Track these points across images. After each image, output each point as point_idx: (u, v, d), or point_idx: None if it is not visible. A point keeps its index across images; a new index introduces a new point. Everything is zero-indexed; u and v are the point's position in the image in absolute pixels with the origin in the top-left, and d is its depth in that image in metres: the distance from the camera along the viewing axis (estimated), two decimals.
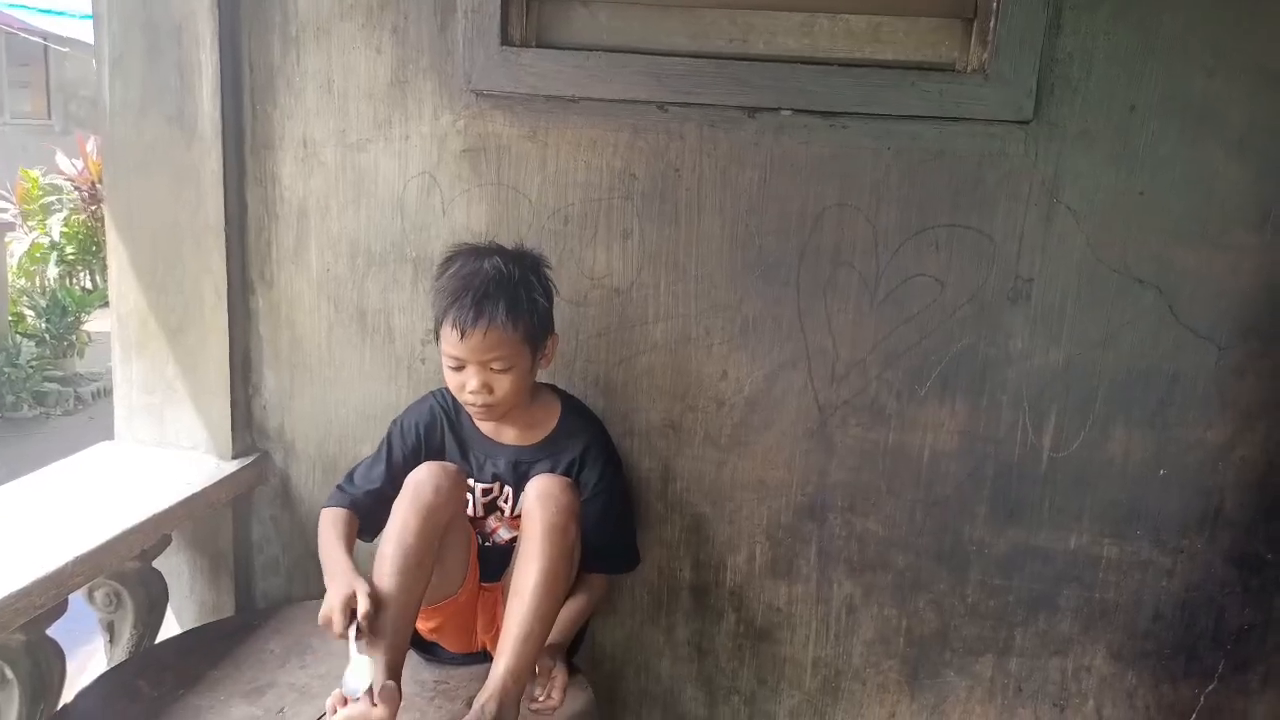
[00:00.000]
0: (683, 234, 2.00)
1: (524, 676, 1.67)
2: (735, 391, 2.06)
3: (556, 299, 1.89)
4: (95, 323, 6.79)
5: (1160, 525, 2.01)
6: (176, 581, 2.22)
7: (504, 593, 1.79)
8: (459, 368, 1.78)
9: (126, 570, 1.99)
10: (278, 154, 2.09)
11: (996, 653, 2.14)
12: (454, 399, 1.87)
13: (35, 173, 8.18)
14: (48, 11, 11.36)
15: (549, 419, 1.93)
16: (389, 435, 1.95)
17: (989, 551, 2.08)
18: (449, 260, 1.82)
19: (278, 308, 2.17)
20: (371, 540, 1.83)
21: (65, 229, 7.79)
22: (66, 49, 12.30)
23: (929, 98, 1.86)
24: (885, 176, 1.93)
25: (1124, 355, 1.94)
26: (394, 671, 1.64)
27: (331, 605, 1.62)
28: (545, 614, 1.70)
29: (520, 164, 2.02)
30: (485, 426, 1.90)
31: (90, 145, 8.03)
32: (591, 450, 1.92)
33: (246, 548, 2.29)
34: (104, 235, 2.29)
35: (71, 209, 8.00)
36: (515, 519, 1.87)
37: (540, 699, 1.72)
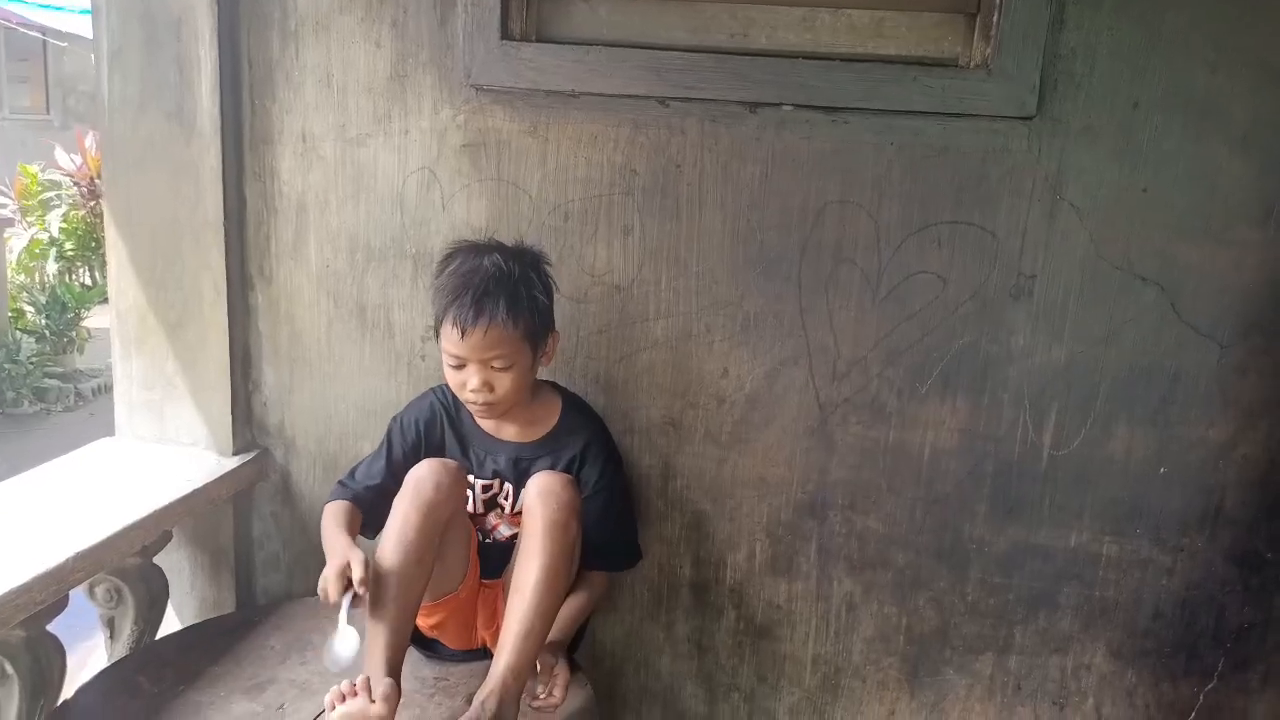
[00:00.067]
0: (684, 230, 1.99)
1: (524, 674, 1.67)
2: (736, 389, 2.06)
3: (557, 296, 1.88)
4: (95, 319, 6.77)
5: (1161, 523, 2.00)
6: (177, 577, 2.22)
7: (504, 589, 1.78)
8: (459, 366, 1.77)
9: (127, 566, 1.99)
10: (277, 149, 2.09)
11: (996, 651, 2.13)
12: (454, 395, 1.86)
13: (34, 168, 8.16)
14: (46, 6, 11.33)
15: (550, 416, 1.92)
16: (389, 432, 1.94)
17: (989, 549, 2.07)
18: (448, 258, 1.82)
19: (277, 303, 2.16)
20: (373, 536, 1.83)
21: (64, 225, 7.78)
22: (65, 44, 12.27)
23: (931, 93, 1.85)
24: (887, 172, 1.92)
25: (1126, 352, 1.93)
26: (394, 668, 1.64)
27: (327, 575, 1.62)
28: (546, 611, 1.69)
29: (520, 159, 2.01)
30: (486, 423, 1.90)
31: (89, 141, 8.00)
32: (592, 447, 1.91)
33: (247, 544, 2.29)
34: (103, 231, 2.28)
35: (70, 205, 7.98)
36: (515, 516, 1.87)
37: (541, 696, 1.72)
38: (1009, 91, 1.83)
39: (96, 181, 7.55)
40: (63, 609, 1.75)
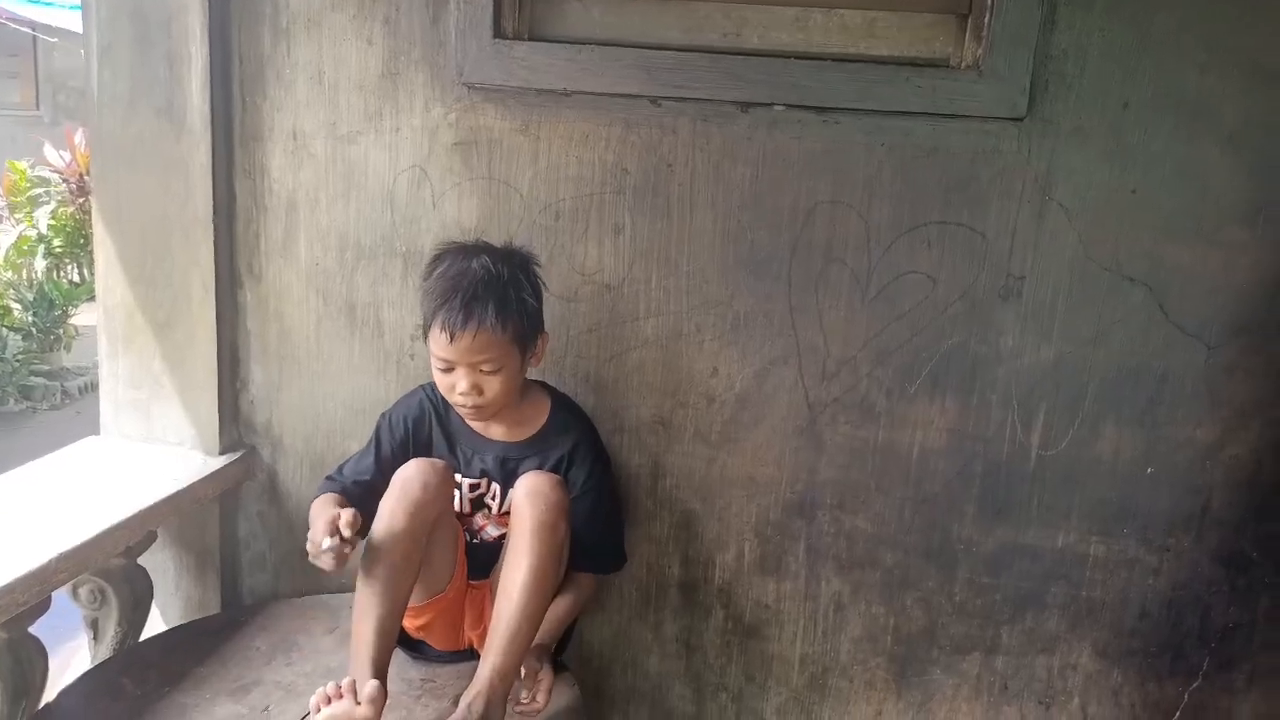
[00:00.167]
0: (675, 229, 1.97)
1: (511, 675, 1.65)
2: (726, 388, 2.03)
3: (547, 295, 1.85)
4: (82, 316, 6.70)
5: (1148, 524, 1.99)
6: (162, 578, 2.18)
7: (492, 590, 1.76)
8: (448, 369, 1.75)
9: (111, 567, 1.95)
10: (267, 146, 2.05)
11: (983, 651, 2.11)
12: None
13: (23, 164, 8.06)
14: (37, 1, 11.22)
15: (538, 416, 1.89)
16: (378, 429, 1.91)
17: (977, 550, 2.05)
18: (437, 259, 1.78)
19: (266, 301, 2.13)
20: (361, 534, 1.79)
21: (53, 221, 7.68)
22: (55, 39, 12.11)
23: (923, 94, 1.83)
24: (878, 173, 1.90)
25: (1114, 353, 1.92)
26: (380, 670, 1.62)
27: (316, 529, 1.61)
28: (533, 613, 1.67)
29: (512, 158, 1.98)
30: (474, 422, 1.87)
31: (78, 137, 7.91)
32: (580, 448, 1.89)
33: (233, 544, 2.25)
34: (92, 228, 2.24)
35: (59, 201, 7.88)
36: (503, 516, 1.84)
37: (525, 701, 1.69)
38: (1000, 92, 1.82)
39: (86, 178, 7.48)
40: (45, 610, 1.71)
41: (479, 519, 1.90)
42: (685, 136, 1.92)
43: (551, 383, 1.98)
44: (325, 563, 1.58)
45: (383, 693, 1.55)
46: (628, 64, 1.89)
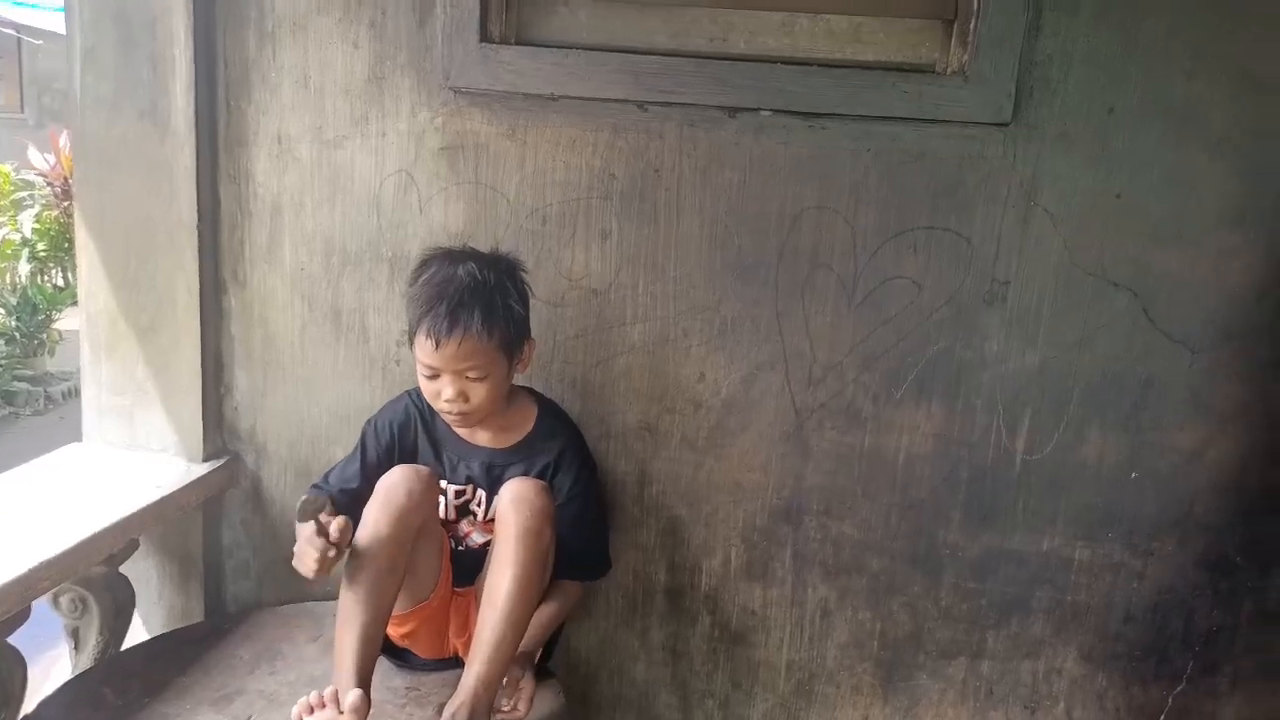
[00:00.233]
0: (661, 234, 1.95)
1: (495, 684, 1.62)
2: (712, 394, 2.01)
3: (533, 301, 1.83)
4: (66, 321, 6.62)
5: (1132, 528, 1.98)
6: (145, 586, 2.14)
7: (477, 597, 1.73)
8: (434, 376, 1.72)
9: (93, 575, 1.91)
10: (252, 150, 2.02)
11: (969, 655, 2.10)
12: None
13: (7, 167, 7.98)
14: (21, 3, 11.12)
15: (525, 422, 1.87)
16: (363, 435, 1.88)
17: (963, 555, 2.04)
18: (423, 265, 1.76)
19: (250, 307, 2.09)
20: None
21: (37, 225, 7.61)
22: (40, 41, 12.00)
23: (909, 99, 1.82)
24: (864, 178, 1.88)
25: (1099, 358, 1.91)
26: (363, 679, 1.59)
27: (302, 537, 1.59)
28: (518, 620, 1.64)
29: (498, 162, 1.95)
30: (460, 429, 1.84)
31: (63, 140, 7.82)
32: (567, 454, 1.86)
33: (217, 552, 2.21)
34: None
35: (44, 205, 7.81)
36: (488, 523, 1.82)
37: (505, 709, 1.67)
38: (985, 98, 1.80)
39: (70, 182, 7.40)
40: (25, 619, 1.67)
41: (464, 525, 1.87)
42: (672, 141, 1.90)
43: (538, 388, 1.95)
44: (307, 566, 1.55)
45: (366, 701, 1.53)
46: (614, 68, 1.87)
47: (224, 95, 2.00)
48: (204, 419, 2.10)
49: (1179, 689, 2.05)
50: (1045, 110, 1.81)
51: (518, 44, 1.92)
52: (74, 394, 6.32)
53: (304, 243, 2.04)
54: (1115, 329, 1.89)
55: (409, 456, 1.84)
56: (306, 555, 1.57)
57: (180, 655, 1.83)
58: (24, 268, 7.50)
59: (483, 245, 1.82)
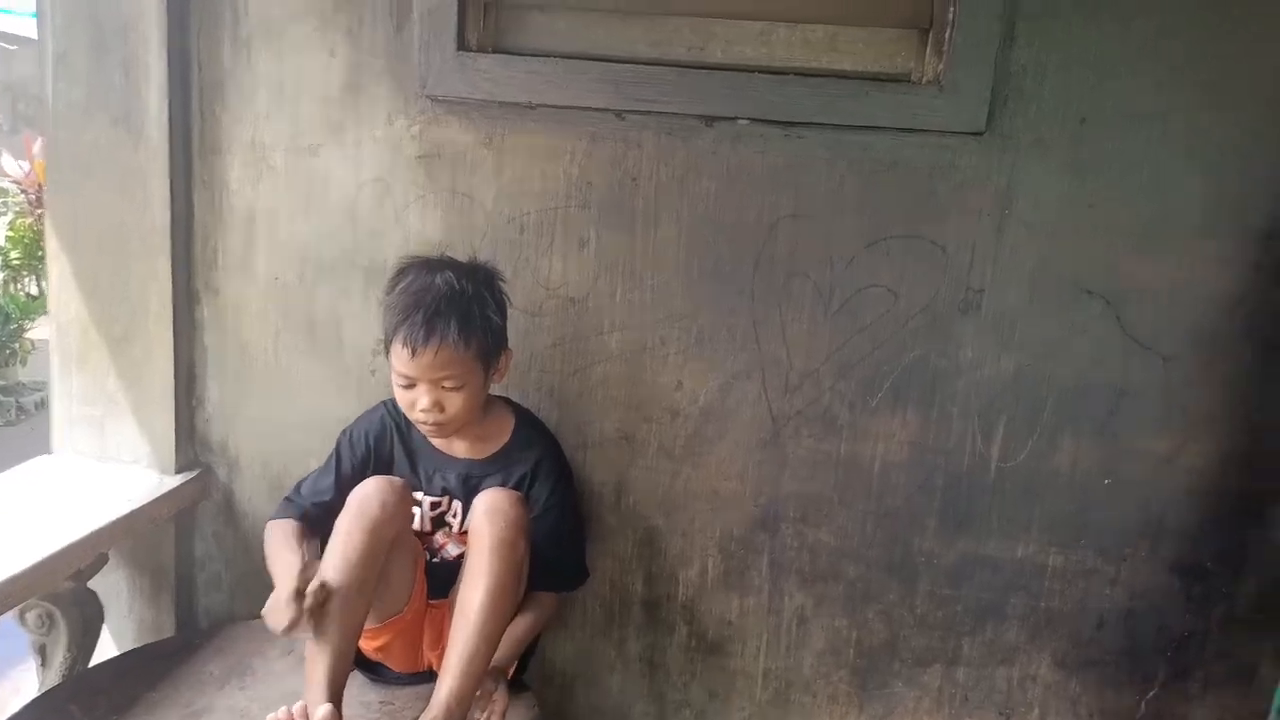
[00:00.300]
0: (639, 243, 1.90)
1: (468, 698, 1.57)
2: (690, 402, 1.96)
3: (511, 310, 1.78)
4: (40, 330, 6.45)
5: (1105, 534, 1.95)
6: (115, 600, 2.06)
7: (451, 610, 1.67)
8: (409, 386, 1.67)
9: (60, 591, 1.83)
10: (226, 158, 1.95)
11: (944, 662, 2.05)
12: None
13: None
14: None
15: (502, 433, 1.82)
16: (338, 446, 1.82)
17: (938, 562, 2.00)
18: (400, 274, 1.70)
19: (224, 317, 2.02)
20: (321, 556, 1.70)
21: (10, 233, 7.41)
22: (15, 47, 11.77)
23: (884, 108, 1.79)
24: (840, 187, 1.84)
25: (1072, 365, 1.87)
26: (335, 693, 1.53)
27: (277, 600, 1.50)
28: (491, 633, 1.59)
29: (476, 171, 1.90)
30: (436, 440, 1.78)
31: (36, 147, 7.64)
32: (544, 465, 1.81)
33: (189, 565, 2.14)
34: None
35: (17, 212, 7.63)
36: (464, 534, 1.75)
37: None
38: (960, 107, 1.77)
39: (44, 189, 7.24)
40: None
41: (440, 537, 1.82)
42: (650, 150, 1.86)
43: (515, 398, 1.90)
44: (279, 625, 1.49)
45: (337, 717, 1.48)
46: (592, 77, 1.82)
47: (198, 102, 1.94)
48: (176, 430, 2.03)
49: (1151, 694, 2.01)
50: (1019, 119, 1.78)
51: (495, 52, 1.87)
52: (46, 404, 6.17)
53: (279, 252, 1.98)
54: (1089, 336, 1.85)
55: (384, 468, 1.79)
56: (280, 614, 1.49)
57: (149, 671, 1.75)
58: None
59: (460, 254, 1.77)
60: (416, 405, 1.67)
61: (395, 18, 1.85)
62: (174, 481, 2.01)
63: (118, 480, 1.98)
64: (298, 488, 1.81)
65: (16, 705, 1.65)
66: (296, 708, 1.45)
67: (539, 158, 1.88)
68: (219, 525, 2.12)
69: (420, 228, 1.93)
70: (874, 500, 1.98)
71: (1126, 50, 1.75)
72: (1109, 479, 1.91)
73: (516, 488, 1.77)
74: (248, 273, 2.00)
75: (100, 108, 1.90)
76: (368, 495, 1.61)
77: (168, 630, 2.09)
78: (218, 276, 2.00)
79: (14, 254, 7.40)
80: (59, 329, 2.02)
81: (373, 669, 1.79)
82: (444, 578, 1.76)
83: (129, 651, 1.90)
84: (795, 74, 1.82)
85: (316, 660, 1.54)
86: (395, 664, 1.79)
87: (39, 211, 7.35)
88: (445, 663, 1.58)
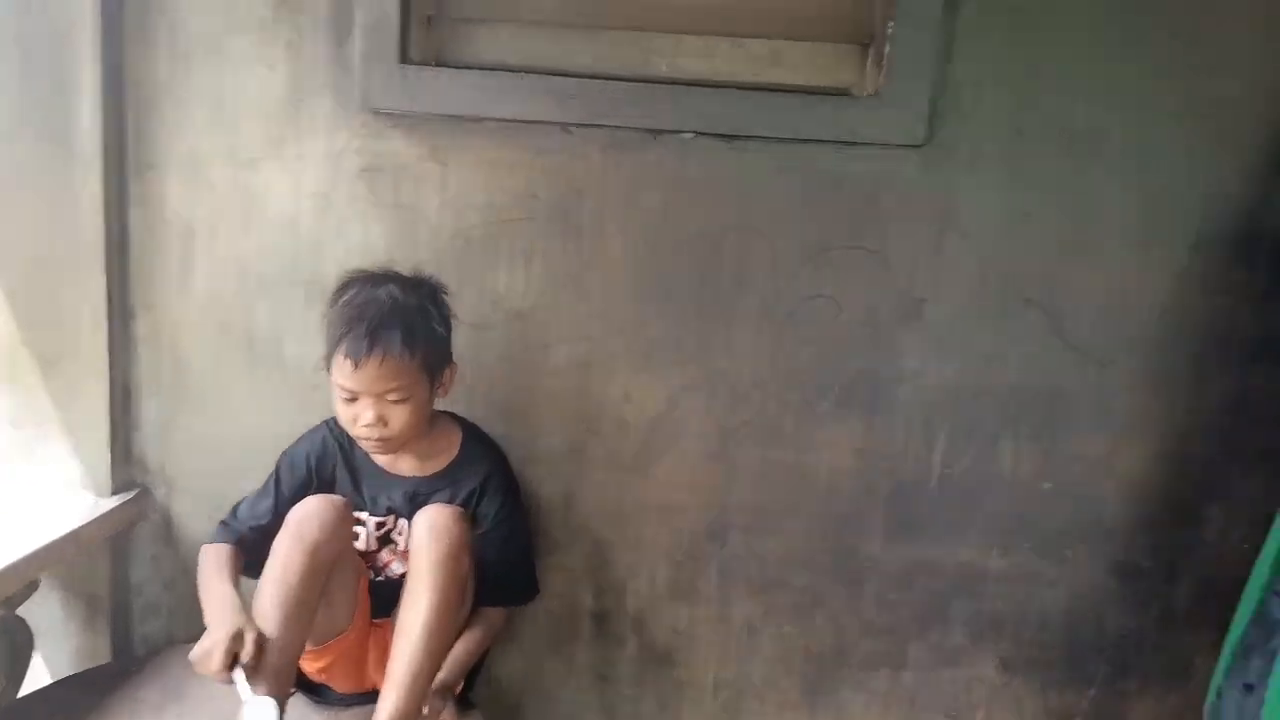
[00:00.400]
0: (586, 256, 1.82)
1: (411, 717, 1.47)
2: (638, 414, 1.88)
3: (457, 324, 1.69)
4: None
5: (1046, 537, 1.91)
6: (49, 627, 1.91)
7: (395, 628, 1.57)
8: (352, 400, 1.57)
9: None
10: (163, 174, 1.83)
11: (892, 667, 2.00)
12: None
13: None
14: None
15: (449, 448, 1.72)
16: (278, 468, 1.71)
17: (884, 567, 1.94)
18: (343, 288, 1.61)
19: (161, 335, 1.89)
20: (257, 578, 1.58)
21: None
22: None
23: (827, 122, 1.74)
24: (785, 199, 1.79)
25: (1011, 372, 1.84)
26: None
27: (214, 640, 1.38)
28: (434, 650, 1.50)
29: (420, 185, 1.81)
30: (381, 458, 1.69)
31: None
32: (492, 479, 1.72)
33: (125, 589, 1.99)
34: None
35: None
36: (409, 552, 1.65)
37: None
38: (900, 121, 1.73)
39: None
40: None
41: (385, 555, 1.72)
42: (596, 163, 1.79)
43: (462, 413, 1.80)
44: (212, 669, 1.38)
45: None
46: (537, 90, 1.75)
47: (133, 117, 1.81)
48: (112, 451, 1.89)
49: (1092, 692, 1.98)
50: (958, 133, 1.75)
51: (439, 65, 1.78)
52: None
53: (217, 268, 1.86)
54: (1026, 344, 1.82)
55: (326, 488, 1.68)
56: (213, 659, 1.39)
57: (82, 699, 1.61)
58: None
59: (404, 268, 1.68)
60: (359, 420, 1.57)
61: (336, 31, 1.76)
62: (110, 504, 1.87)
63: (50, 503, 1.83)
64: (235, 511, 1.70)
65: None
66: None
67: (484, 171, 1.80)
68: (157, 548, 1.98)
69: (363, 242, 1.83)
70: (821, 508, 1.92)
71: (1061, 65, 1.72)
72: (1048, 483, 1.88)
73: (464, 504, 1.68)
74: (186, 289, 1.87)
75: (30, 124, 1.77)
76: (307, 515, 1.52)
77: (103, 657, 1.95)
78: (155, 293, 1.88)
79: None
80: None
81: (315, 691, 1.68)
82: (389, 596, 1.66)
83: (61, 680, 1.76)
84: (739, 88, 1.76)
85: (255, 685, 1.42)
86: (339, 685, 1.68)
87: None
88: (386, 681, 1.49)
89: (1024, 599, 1.94)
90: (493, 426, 1.83)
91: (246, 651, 1.38)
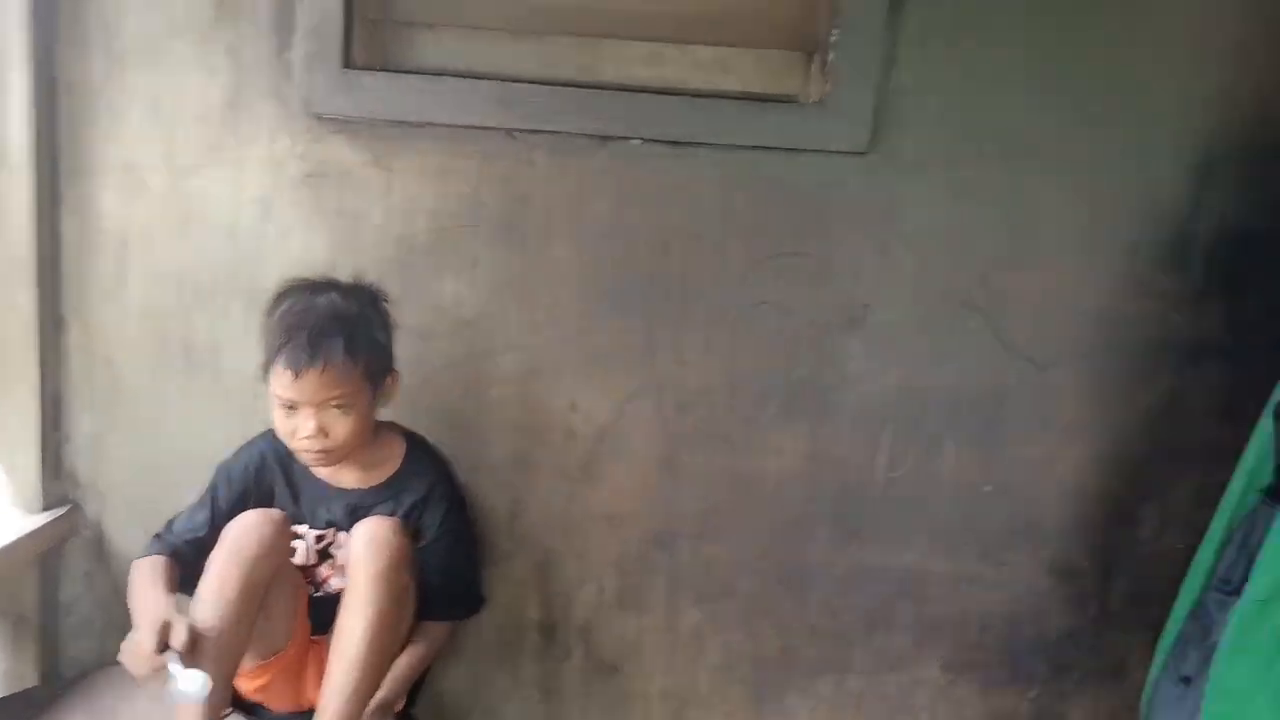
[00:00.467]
0: (532, 263, 1.73)
1: None
2: (585, 422, 1.79)
3: (401, 332, 1.60)
4: None
5: (987, 539, 1.85)
6: None
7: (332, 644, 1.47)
8: (292, 411, 1.47)
9: None
10: (97, 180, 1.70)
11: (837, 671, 1.92)
12: None
13: None
14: None
15: (392, 459, 1.62)
16: (215, 480, 1.60)
17: (830, 572, 1.87)
18: (280, 297, 1.52)
19: (94, 346, 1.76)
20: (193, 594, 1.45)
21: None
22: None
23: (772, 128, 1.68)
24: (732, 206, 1.72)
25: (954, 377, 1.78)
26: None
27: (144, 631, 1.29)
28: (372, 667, 1.41)
29: (363, 191, 1.70)
30: (321, 470, 1.58)
31: None
32: (437, 490, 1.63)
33: (54, 609, 1.84)
34: None
35: None
36: None
37: None
38: (844, 127, 1.68)
39: None
40: None
41: (324, 570, 1.60)
42: (542, 169, 1.70)
43: (406, 423, 1.69)
44: (140, 669, 1.29)
45: None
46: (483, 96, 1.66)
47: (66, 123, 1.68)
48: (41, 466, 1.74)
49: (1033, 693, 1.93)
50: (901, 140, 1.70)
51: (383, 70, 1.68)
52: None
53: (154, 277, 1.74)
54: (968, 348, 1.77)
55: (265, 502, 1.57)
56: (139, 658, 1.29)
57: None
58: None
59: (346, 276, 1.58)
60: (299, 432, 1.47)
61: (278, 35, 1.65)
62: (39, 520, 1.72)
63: None
64: (169, 524, 1.58)
65: None
66: None
67: (429, 177, 1.70)
68: (89, 564, 1.84)
69: (305, 249, 1.72)
70: (768, 514, 1.84)
71: (1001, 72, 1.68)
72: (989, 485, 1.83)
73: (408, 515, 1.58)
74: (120, 299, 1.74)
75: None
76: (243, 530, 1.42)
77: (30, 680, 1.79)
78: (88, 303, 1.74)
79: None
80: None
81: (252, 711, 1.55)
82: (329, 612, 1.53)
83: None
84: (686, 95, 1.70)
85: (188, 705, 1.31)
86: (276, 704, 1.56)
87: None
88: (322, 699, 1.39)
89: (966, 601, 1.88)
90: (438, 436, 1.73)
91: (178, 636, 1.27)
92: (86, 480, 1.80)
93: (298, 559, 1.57)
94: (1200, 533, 1.49)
